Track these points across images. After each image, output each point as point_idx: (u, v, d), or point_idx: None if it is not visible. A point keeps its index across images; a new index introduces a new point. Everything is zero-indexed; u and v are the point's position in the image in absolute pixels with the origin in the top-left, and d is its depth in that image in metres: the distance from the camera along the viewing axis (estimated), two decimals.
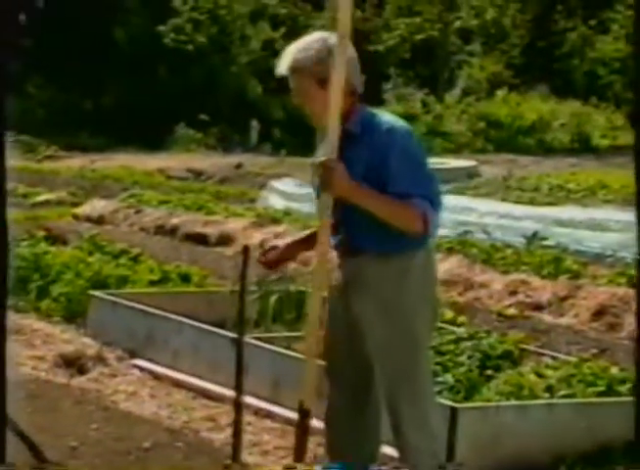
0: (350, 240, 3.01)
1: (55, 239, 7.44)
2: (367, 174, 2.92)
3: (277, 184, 12.62)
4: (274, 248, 3.17)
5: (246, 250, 3.15)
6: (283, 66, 3.02)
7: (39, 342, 5.35)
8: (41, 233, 7.47)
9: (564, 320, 6.21)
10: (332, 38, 3.00)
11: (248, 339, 4.54)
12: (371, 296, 2.98)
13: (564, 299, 6.41)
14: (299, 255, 3.28)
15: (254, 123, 18.78)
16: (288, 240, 3.22)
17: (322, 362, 3.05)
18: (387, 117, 3.00)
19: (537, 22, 23.39)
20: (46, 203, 11.27)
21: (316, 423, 3.04)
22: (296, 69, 3.00)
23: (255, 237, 8.39)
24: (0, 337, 2.25)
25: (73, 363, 4.91)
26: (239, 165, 16.08)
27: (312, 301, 2.96)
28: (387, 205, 2.90)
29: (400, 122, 3.00)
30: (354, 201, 2.90)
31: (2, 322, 2.29)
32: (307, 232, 3.20)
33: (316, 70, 2.97)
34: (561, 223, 9.13)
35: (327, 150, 2.91)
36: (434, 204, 2.94)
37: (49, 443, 3.72)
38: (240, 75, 21.85)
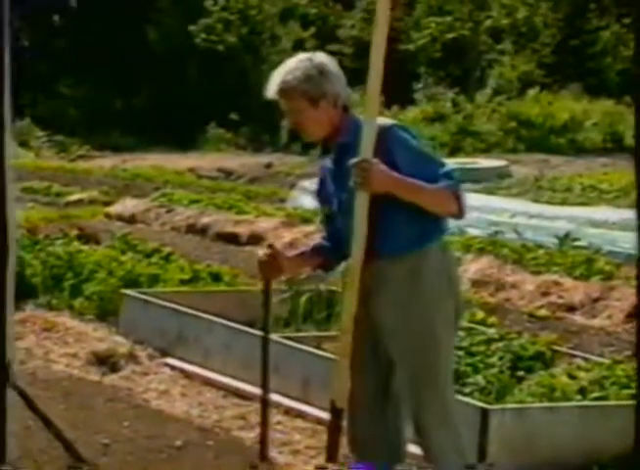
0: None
1: (88, 238, 7.50)
2: None
3: (307, 184, 12.61)
4: (276, 254, 3.07)
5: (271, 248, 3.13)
6: (272, 89, 3.01)
7: (72, 339, 5.40)
8: (74, 232, 7.54)
9: (596, 322, 6.16)
10: (318, 57, 3.02)
11: (278, 338, 4.57)
12: (387, 298, 2.99)
13: (596, 300, 6.35)
14: (295, 271, 3.26)
15: (285, 123, 18.78)
16: (290, 252, 3.19)
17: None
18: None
19: (569, 20, 23.19)
20: (79, 202, 11.37)
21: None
22: (285, 91, 2.99)
23: (286, 236, 8.41)
24: (0, 336, 2.26)
25: (106, 361, 4.95)
26: (269, 165, 16.11)
27: (346, 301, 2.98)
28: (427, 190, 2.91)
29: (390, 121, 3.03)
30: (397, 193, 2.90)
31: (2, 321, 2.31)
32: (303, 249, 3.16)
33: (305, 89, 2.97)
34: (593, 224, 9.03)
35: (363, 150, 2.91)
36: (457, 180, 2.96)
37: (82, 439, 3.76)
38: (270, 75, 21.84)
